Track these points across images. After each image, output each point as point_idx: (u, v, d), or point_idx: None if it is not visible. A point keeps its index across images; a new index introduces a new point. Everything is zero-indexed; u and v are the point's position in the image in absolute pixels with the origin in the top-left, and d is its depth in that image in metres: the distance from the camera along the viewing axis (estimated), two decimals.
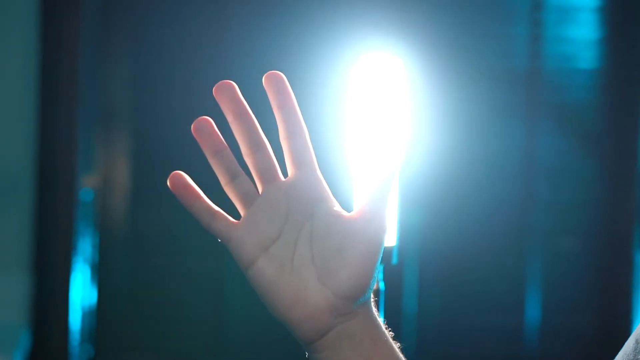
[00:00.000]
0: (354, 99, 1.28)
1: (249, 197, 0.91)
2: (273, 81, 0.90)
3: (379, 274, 1.32)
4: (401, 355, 0.94)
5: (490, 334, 2.77)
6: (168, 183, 0.91)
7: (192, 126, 0.91)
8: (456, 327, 2.73)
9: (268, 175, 0.91)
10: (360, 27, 2.56)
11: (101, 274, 2.57)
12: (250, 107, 0.91)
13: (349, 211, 0.92)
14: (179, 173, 0.91)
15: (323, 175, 0.92)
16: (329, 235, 0.89)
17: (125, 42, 2.60)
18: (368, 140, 1.27)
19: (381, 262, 1.31)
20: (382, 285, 1.27)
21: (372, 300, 0.92)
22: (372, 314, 0.92)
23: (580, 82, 2.83)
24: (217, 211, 0.91)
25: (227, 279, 2.61)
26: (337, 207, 0.91)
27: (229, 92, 0.90)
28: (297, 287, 0.89)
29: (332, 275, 0.89)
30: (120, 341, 2.60)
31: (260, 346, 2.66)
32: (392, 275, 1.31)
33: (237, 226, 0.90)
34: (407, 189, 2.38)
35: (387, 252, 1.29)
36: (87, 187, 2.53)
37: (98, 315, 2.56)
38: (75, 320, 2.49)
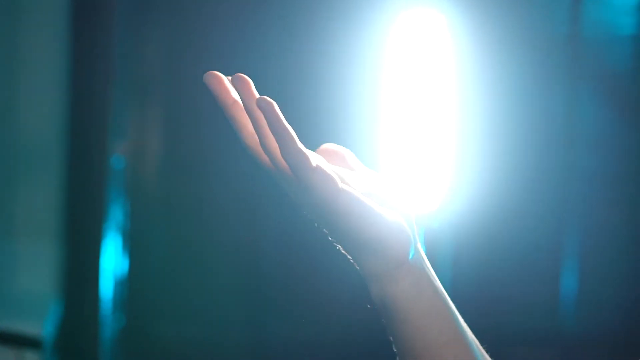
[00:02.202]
0: (394, 60, 1.24)
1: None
2: (238, 83, 0.89)
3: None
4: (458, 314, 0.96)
5: (526, 304, 2.75)
6: (204, 78, 0.92)
7: (203, 78, 0.91)
8: (491, 297, 2.71)
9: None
10: None
11: (132, 243, 2.56)
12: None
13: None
14: (214, 72, 0.93)
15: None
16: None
17: (158, 11, 2.58)
18: (407, 113, 1.23)
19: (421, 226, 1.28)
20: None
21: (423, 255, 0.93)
22: (430, 268, 0.94)
23: (623, 50, 2.78)
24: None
25: (261, 247, 2.60)
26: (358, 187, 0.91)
27: (243, 88, 0.88)
28: (380, 207, 0.88)
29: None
30: (152, 310, 2.60)
31: (295, 313, 2.65)
32: (428, 241, 1.27)
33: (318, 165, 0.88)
34: (447, 154, 2.34)
35: (427, 216, 1.25)
36: (118, 154, 2.51)
37: (129, 284, 2.55)
38: (107, 288, 2.48)
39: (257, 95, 0.87)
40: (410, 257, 0.88)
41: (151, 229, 2.58)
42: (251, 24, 2.59)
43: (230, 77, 0.92)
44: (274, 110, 0.84)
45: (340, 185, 0.85)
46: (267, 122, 0.84)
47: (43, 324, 2.29)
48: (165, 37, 2.60)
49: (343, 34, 2.48)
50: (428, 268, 0.91)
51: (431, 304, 0.90)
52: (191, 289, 2.62)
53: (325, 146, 0.95)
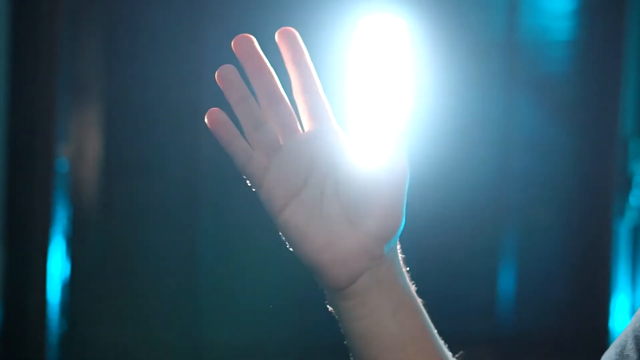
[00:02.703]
0: (356, 64, 1.26)
1: (274, 148, 0.91)
2: (285, 37, 0.91)
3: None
4: (424, 310, 0.96)
5: (464, 305, 2.78)
6: (206, 120, 0.91)
7: (216, 74, 0.90)
8: (429, 298, 2.74)
9: (289, 128, 0.91)
10: None
11: (74, 247, 2.54)
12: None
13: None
14: (217, 110, 0.90)
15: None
16: (355, 183, 0.90)
17: (100, 13, 2.56)
18: (373, 98, 1.25)
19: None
20: None
21: (399, 251, 0.94)
22: (400, 263, 0.93)
23: (557, 54, 2.84)
24: (254, 153, 0.90)
25: (201, 249, 2.60)
26: (359, 155, 0.91)
27: (247, 46, 0.91)
28: (329, 230, 0.89)
29: (362, 216, 0.89)
30: (94, 315, 2.58)
31: (234, 315, 2.65)
32: None
33: (268, 172, 0.90)
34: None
35: None
36: (61, 157, 2.49)
37: (71, 289, 2.54)
38: (52, 293, 2.46)
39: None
40: (345, 286, 0.90)
41: (93, 232, 2.56)
42: (196, 29, 2.59)
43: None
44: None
45: (284, 202, 0.88)
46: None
47: None
48: (106, 39, 2.59)
49: (305, 40, 2.49)
50: (384, 290, 0.91)
51: (367, 328, 0.91)
52: (131, 293, 2.61)
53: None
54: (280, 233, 0.90)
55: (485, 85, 2.76)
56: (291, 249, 0.90)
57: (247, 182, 0.90)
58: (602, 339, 2.73)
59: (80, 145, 2.55)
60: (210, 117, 0.90)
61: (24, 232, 2.42)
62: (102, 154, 2.57)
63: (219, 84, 0.90)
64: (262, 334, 2.64)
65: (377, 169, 0.90)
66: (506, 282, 2.77)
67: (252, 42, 0.90)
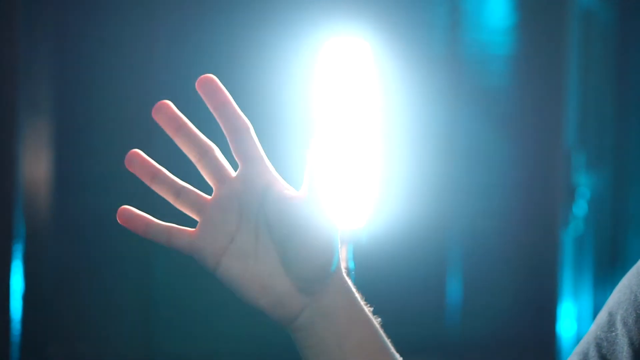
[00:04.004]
0: (320, 85, 1.31)
1: (200, 205, 0.93)
2: (205, 85, 0.92)
3: (342, 252, 1.34)
4: (380, 331, 0.97)
5: (413, 314, 2.81)
6: (118, 219, 0.93)
7: (125, 160, 0.95)
8: (380, 308, 2.77)
9: (218, 176, 0.93)
10: (325, 11, 2.57)
11: (29, 264, 2.53)
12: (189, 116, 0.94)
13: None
14: (124, 207, 0.94)
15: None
16: (282, 220, 0.91)
17: (48, 37, 2.57)
18: (320, 126, 1.29)
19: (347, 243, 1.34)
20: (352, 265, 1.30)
21: (344, 276, 0.94)
22: (347, 290, 0.94)
23: (498, 68, 2.89)
24: (172, 227, 0.93)
25: (155, 263, 2.61)
26: (288, 191, 0.92)
27: (165, 112, 0.93)
28: (263, 276, 0.91)
29: (290, 258, 0.91)
30: (47, 330, 2.58)
31: (187, 328, 2.66)
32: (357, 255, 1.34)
33: (196, 235, 0.93)
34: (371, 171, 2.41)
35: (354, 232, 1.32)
36: (18, 176, 2.50)
37: (25, 305, 2.53)
38: (15, 309, 2.46)
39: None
40: (290, 322, 0.93)
41: (46, 247, 2.56)
42: (149, 45, 2.61)
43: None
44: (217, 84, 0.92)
45: (216, 259, 0.92)
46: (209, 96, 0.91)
47: None
48: (56, 60, 2.59)
49: (272, 62, 2.52)
50: (326, 321, 0.93)
51: (319, 355, 0.94)
52: (86, 307, 2.61)
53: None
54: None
55: (430, 98, 2.80)
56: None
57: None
58: (549, 344, 2.78)
59: (34, 164, 2.56)
60: (121, 215, 0.93)
61: None
62: (55, 171, 2.57)
63: (129, 169, 0.95)
64: (221, 348, 2.65)
65: (302, 204, 0.91)
66: (453, 291, 2.81)
67: (168, 107, 0.93)
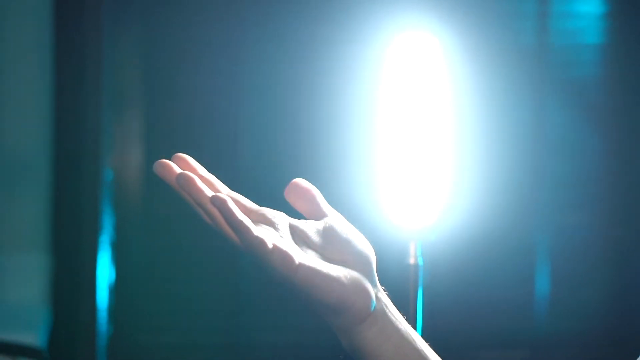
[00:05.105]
0: (389, 81, 1.31)
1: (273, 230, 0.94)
2: (184, 183, 0.92)
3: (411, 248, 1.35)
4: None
5: (500, 308, 2.79)
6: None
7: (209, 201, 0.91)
8: (466, 301, 2.76)
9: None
10: (393, 6, 2.57)
11: (119, 253, 2.59)
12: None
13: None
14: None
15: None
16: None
17: (140, 24, 2.62)
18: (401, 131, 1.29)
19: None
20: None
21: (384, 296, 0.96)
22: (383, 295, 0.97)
23: (587, 58, 2.85)
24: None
25: (243, 256, 2.63)
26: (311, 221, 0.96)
27: (187, 183, 0.92)
28: (337, 270, 0.92)
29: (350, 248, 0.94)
30: (138, 320, 2.63)
31: (274, 318, 2.69)
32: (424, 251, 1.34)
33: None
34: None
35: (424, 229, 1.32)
36: (107, 167, 2.55)
37: (116, 294, 2.59)
38: (100, 298, 2.52)
39: (204, 189, 0.91)
40: (372, 309, 0.93)
41: (137, 238, 2.62)
42: (238, 40, 2.64)
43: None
44: (228, 208, 0.87)
45: (297, 261, 0.89)
46: (223, 217, 0.88)
47: (37, 334, 2.33)
48: (146, 49, 2.64)
49: (341, 57, 2.54)
50: (391, 312, 0.95)
51: (398, 347, 0.94)
52: (175, 297, 2.66)
53: (296, 182, 0.97)
54: (293, 291, 0.91)
55: (517, 90, 2.77)
56: (307, 303, 0.92)
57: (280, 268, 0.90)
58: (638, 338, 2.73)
59: (124, 155, 2.61)
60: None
61: (72, 239, 2.48)
62: (145, 162, 2.62)
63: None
64: (310, 336, 2.67)
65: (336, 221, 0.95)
66: (542, 285, 2.79)
67: (192, 181, 0.92)
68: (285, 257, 0.88)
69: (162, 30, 2.64)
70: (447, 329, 2.70)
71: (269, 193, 2.64)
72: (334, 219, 0.95)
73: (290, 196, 0.96)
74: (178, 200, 2.77)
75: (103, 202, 2.51)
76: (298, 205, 0.96)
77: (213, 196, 0.87)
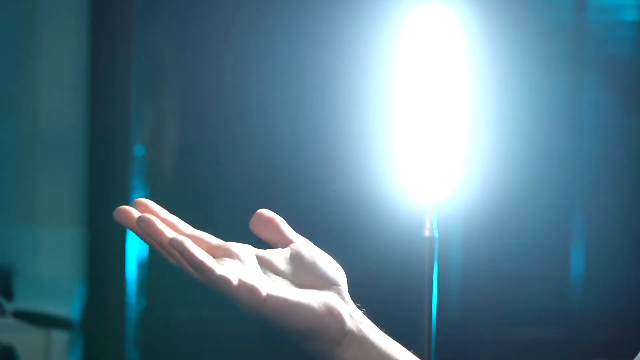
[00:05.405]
0: (407, 55, 1.31)
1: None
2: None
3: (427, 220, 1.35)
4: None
5: (535, 286, 2.79)
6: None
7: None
8: (501, 279, 2.76)
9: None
10: None
11: None
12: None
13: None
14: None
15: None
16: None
17: (174, 2, 2.64)
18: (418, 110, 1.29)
19: (435, 212, 1.35)
20: (436, 234, 1.31)
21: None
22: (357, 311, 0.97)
23: (625, 35, 2.82)
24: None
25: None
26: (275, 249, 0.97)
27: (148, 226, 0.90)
28: (307, 296, 0.92)
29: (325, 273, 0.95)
30: (171, 294, 2.66)
31: None
32: (441, 225, 1.34)
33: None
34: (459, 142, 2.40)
35: (441, 202, 1.32)
36: (138, 142, 2.58)
37: (149, 268, 2.62)
38: (131, 272, 2.55)
39: (164, 231, 0.89)
40: (346, 329, 0.93)
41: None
42: (264, 18, 2.65)
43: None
44: (186, 249, 0.86)
45: (265, 292, 0.89)
46: (183, 259, 0.87)
47: (70, 306, 2.36)
48: (180, 27, 2.65)
49: (356, 32, 2.54)
50: (367, 328, 0.95)
51: None
52: None
53: (259, 212, 0.98)
54: (264, 322, 0.91)
55: (552, 68, 2.75)
56: (280, 332, 0.92)
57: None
58: None
59: (156, 131, 2.64)
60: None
61: (104, 214, 2.51)
62: (177, 139, 2.64)
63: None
64: None
65: (302, 246, 0.95)
66: (576, 263, 2.78)
67: (151, 223, 0.90)
68: (252, 291, 0.88)
69: (195, 9, 2.65)
70: (483, 304, 2.71)
71: (302, 166, 2.66)
72: (300, 244, 0.96)
73: (255, 227, 0.98)
74: (210, 176, 2.78)
75: (135, 177, 2.53)
76: (264, 235, 0.98)
77: (171, 239, 0.86)
